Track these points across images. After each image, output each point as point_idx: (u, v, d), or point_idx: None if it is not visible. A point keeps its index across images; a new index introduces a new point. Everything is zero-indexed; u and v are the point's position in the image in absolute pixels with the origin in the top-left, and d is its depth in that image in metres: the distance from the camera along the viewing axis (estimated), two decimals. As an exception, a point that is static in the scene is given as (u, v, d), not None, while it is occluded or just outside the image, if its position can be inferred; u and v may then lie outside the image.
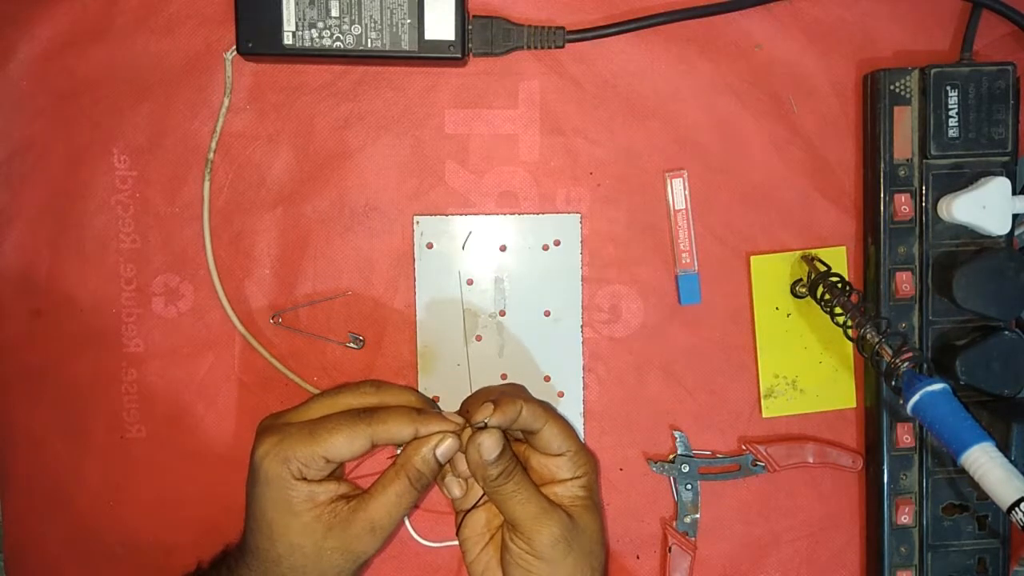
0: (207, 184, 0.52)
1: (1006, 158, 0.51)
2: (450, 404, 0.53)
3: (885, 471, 0.52)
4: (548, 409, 0.47)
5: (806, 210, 0.53)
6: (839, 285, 0.50)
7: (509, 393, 0.46)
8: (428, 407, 0.47)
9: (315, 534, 0.43)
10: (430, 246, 0.53)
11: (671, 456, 0.54)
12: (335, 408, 0.45)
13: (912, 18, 0.53)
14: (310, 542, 0.43)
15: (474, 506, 0.48)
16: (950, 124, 0.50)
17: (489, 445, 0.43)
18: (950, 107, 0.50)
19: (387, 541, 0.45)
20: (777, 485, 0.54)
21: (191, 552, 0.53)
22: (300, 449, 0.43)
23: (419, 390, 0.53)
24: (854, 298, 0.49)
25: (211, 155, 0.52)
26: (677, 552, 0.53)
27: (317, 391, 0.53)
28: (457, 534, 0.48)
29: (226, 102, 0.52)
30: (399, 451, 0.50)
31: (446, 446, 0.44)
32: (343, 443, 0.43)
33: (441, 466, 0.45)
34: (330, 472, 0.44)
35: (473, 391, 0.53)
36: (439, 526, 0.54)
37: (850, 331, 0.50)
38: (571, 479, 0.47)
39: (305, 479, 0.43)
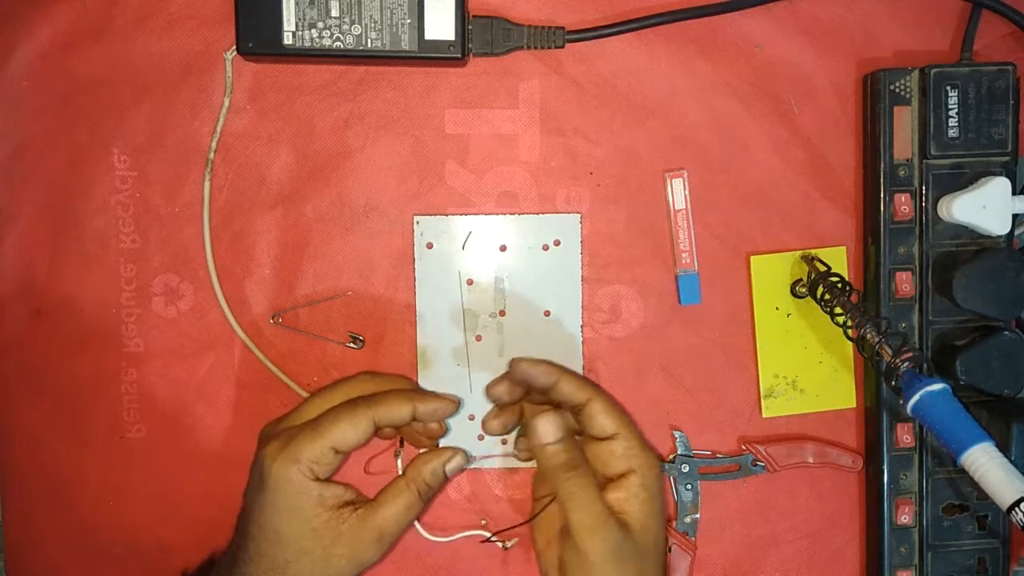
0: (207, 184, 0.52)
1: (1006, 158, 0.51)
2: (450, 404, 0.53)
3: (885, 471, 0.52)
4: (595, 386, 0.46)
5: (806, 210, 0.53)
6: (839, 285, 0.50)
7: (553, 363, 0.47)
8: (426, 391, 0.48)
9: (324, 539, 0.43)
10: (430, 246, 0.53)
11: (671, 456, 0.54)
12: (333, 402, 0.46)
13: (912, 18, 0.53)
14: (319, 547, 0.43)
15: (543, 508, 0.47)
16: (950, 124, 0.50)
17: (544, 428, 0.44)
18: (950, 107, 0.50)
19: (391, 549, 0.46)
20: (777, 485, 0.54)
21: (191, 552, 0.53)
22: (307, 446, 0.43)
23: (419, 387, 0.53)
24: (854, 298, 0.49)
25: (211, 155, 0.52)
26: (677, 552, 0.53)
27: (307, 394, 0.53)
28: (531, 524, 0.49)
29: (226, 102, 0.52)
30: (399, 448, 0.50)
31: (455, 462, 0.46)
32: (348, 429, 0.44)
33: (448, 479, 0.46)
34: (339, 465, 0.45)
35: (473, 391, 0.53)
36: (442, 521, 0.54)
37: (850, 331, 0.50)
38: (626, 474, 0.45)
39: (317, 479, 0.43)
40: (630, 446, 0.45)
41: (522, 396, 0.48)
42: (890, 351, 0.47)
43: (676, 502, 0.54)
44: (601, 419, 0.45)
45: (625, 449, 0.45)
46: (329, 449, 0.43)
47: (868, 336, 0.48)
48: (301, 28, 0.49)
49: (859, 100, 0.53)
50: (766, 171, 0.53)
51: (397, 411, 0.45)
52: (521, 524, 0.52)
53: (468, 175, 0.53)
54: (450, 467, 0.46)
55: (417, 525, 0.53)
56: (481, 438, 0.54)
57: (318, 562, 0.43)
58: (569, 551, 0.44)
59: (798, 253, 0.53)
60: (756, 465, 0.54)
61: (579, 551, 0.43)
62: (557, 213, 0.53)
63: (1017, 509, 0.42)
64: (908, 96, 0.51)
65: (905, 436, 0.52)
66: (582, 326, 0.54)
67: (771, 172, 0.53)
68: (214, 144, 0.52)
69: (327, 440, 0.43)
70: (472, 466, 0.54)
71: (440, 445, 0.50)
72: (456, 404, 0.46)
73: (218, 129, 0.52)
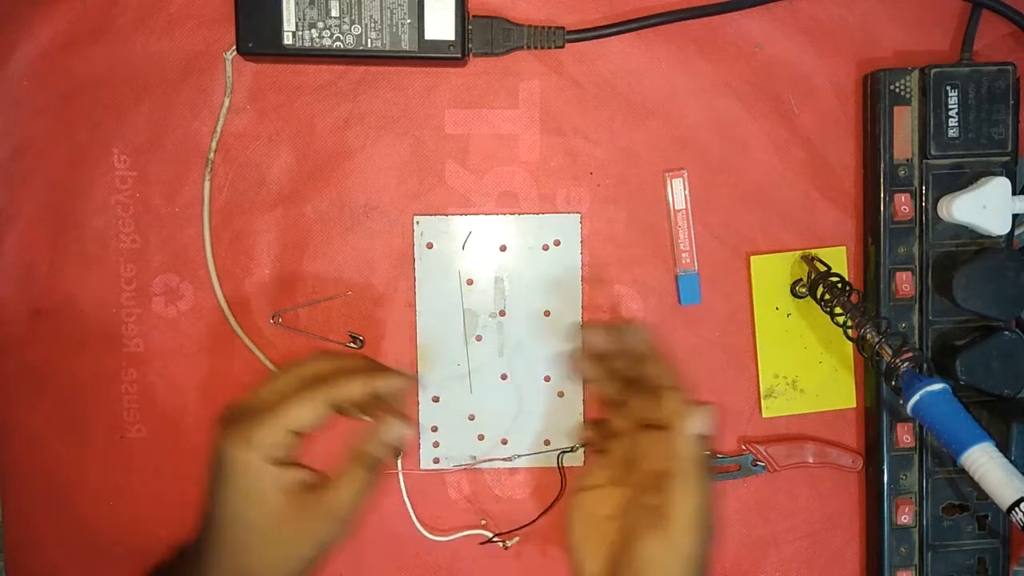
0: (207, 184, 0.52)
1: (1006, 158, 0.51)
2: (449, 403, 0.53)
3: (885, 471, 0.52)
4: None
5: (806, 210, 0.53)
6: (839, 285, 0.50)
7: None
8: (381, 367, 0.47)
9: (285, 522, 0.43)
10: (430, 246, 0.53)
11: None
12: (290, 384, 0.45)
13: (912, 18, 0.53)
14: (280, 530, 0.43)
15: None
16: (950, 124, 0.50)
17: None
18: (950, 107, 0.50)
19: (351, 527, 0.45)
20: (777, 485, 0.54)
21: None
22: (264, 431, 0.43)
23: (419, 388, 0.53)
24: (854, 298, 0.49)
25: (211, 155, 0.52)
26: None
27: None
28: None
29: (227, 102, 0.52)
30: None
31: (395, 432, 0.45)
32: (304, 411, 0.43)
33: (397, 450, 0.45)
34: (296, 446, 0.44)
35: (473, 391, 0.53)
36: (442, 521, 0.54)
37: (850, 331, 0.50)
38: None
39: (276, 462, 0.43)
40: (684, 449, 0.43)
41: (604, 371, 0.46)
42: (890, 351, 0.47)
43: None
44: (667, 411, 0.43)
45: (678, 450, 0.43)
46: (286, 432, 0.43)
47: (868, 336, 0.48)
48: (301, 28, 0.49)
49: (859, 100, 0.53)
50: (766, 171, 0.53)
51: (353, 389, 0.44)
52: (537, 518, 0.51)
53: (468, 175, 0.53)
54: (392, 437, 0.45)
55: (417, 525, 0.53)
56: (481, 438, 0.54)
57: (281, 544, 0.43)
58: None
59: (798, 253, 0.53)
60: (756, 465, 0.54)
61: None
62: (557, 213, 0.53)
63: (1017, 509, 0.42)
64: (908, 96, 0.51)
65: (905, 436, 0.52)
66: (582, 326, 0.53)
67: (771, 172, 0.53)
68: (214, 144, 0.52)
69: (284, 423, 0.43)
70: (472, 466, 0.54)
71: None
72: (412, 377, 0.46)
73: (218, 129, 0.52)
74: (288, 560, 0.44)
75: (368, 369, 0.46)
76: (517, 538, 0.54)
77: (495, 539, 0.54)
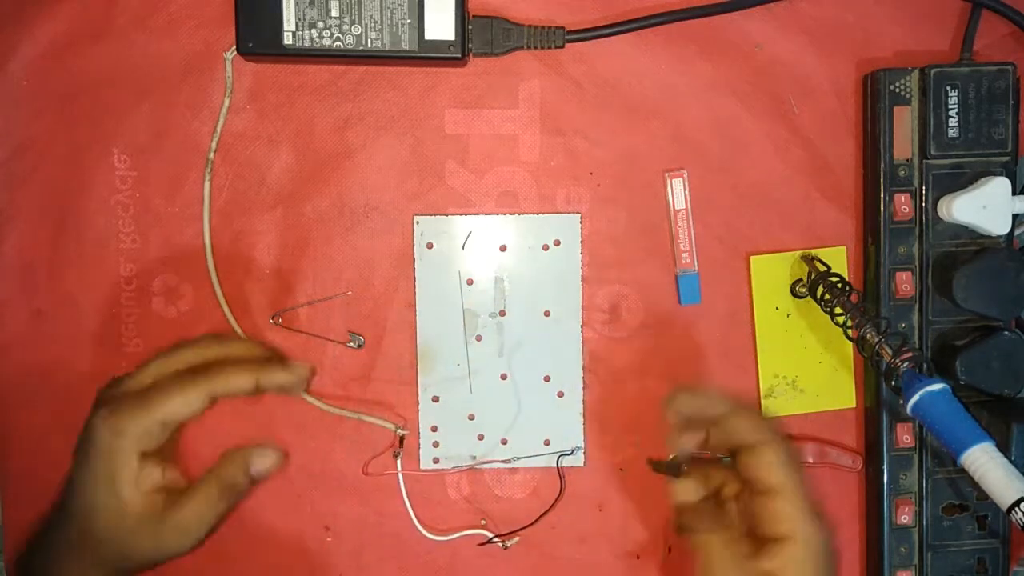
0: (207, 184, 0.52)
1: (1006, 158, 0.51)
2: (449, 403, 0.53)
3: (885, 471, 0.52)
4: (775, 429, 0.41)
5: (806, 210, 0.53)
6: (839, 285, 0.50)
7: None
8: (274, 359, 0.45)
9: (129, 518, 0.42)
10: (430, 246, 0.53)
11: (671, 456, 0.54)
12: (172, 367, 0.43)
13: (912, 18, 0.53)
14: (125, 527, 0.42)
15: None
16: (950, 124, 0.50)
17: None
18: (950, 107, 0.50)
19: (201, 543, 0.43)
20: (777, 485, 0.54)
21: (191, 552, 0.53)
22: (135, 419, 0.41)
23: (419, 388, 0.53)
24: (854, 298, 0.49)
25: (211, 155, 0.52)
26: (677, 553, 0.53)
27: (321, 403, 0.53)
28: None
29: (227, 102, 0.52)
30: (399, 449, 0.50)
31: (260, 465, 0.43)
32: (178, 405, 0.42)
33: (255, 482, 0.43)
34: (170, 437, 0.43)
35: (473, 391, 0.53)
36: (442, 521, 0.54)
37: (850, 331, 0.50)
38: (783, 540, 0.39)
39: (142, 454, 0.42)
40: (793, 509, 0.39)
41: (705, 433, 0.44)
42: (890, 351, 0.47)
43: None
44: (766, 469, 0.40)
45: (788, 511, 0.39)
46: (157, 423, 0.41)
47: (868, 336, 0.48)
48: (301, 28, 0.49)
49: (859, 100, 0.53)
50: (766, 171, 0.53)
51: (236, 384, 0.42)
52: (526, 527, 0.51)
53: (468, 175, 0.53)
54: (255, 470, 0.43)
55: (417, 525, 0.53)
56: (481, 438, 0.54)
57: (122, 542, 0.42)
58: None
59: (798, 253, 0.53)
60: (756, 465, 0.54)
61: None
62: (557, 213, 0.53)
63: (1017, 509, 0.42)
64: (908, 96, 0.51)
65: (905, 436, 0.52)
66: (582, 326, 0.54)
67: (771, 172, 0.53)
68: (214, 144, 0.52)
69: (156, 414, 0.41)
70: (472, 467, 0.54)
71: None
72: (306, 373, 0.44)
73: (218, 129, 0.52)
74: (127, 554, 0.42)
75: (258, 361, 0.44)
76: (517, 538, 0.54)
77: (495, 540, 0.54)
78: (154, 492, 0.42)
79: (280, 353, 0.47)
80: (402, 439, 0.53)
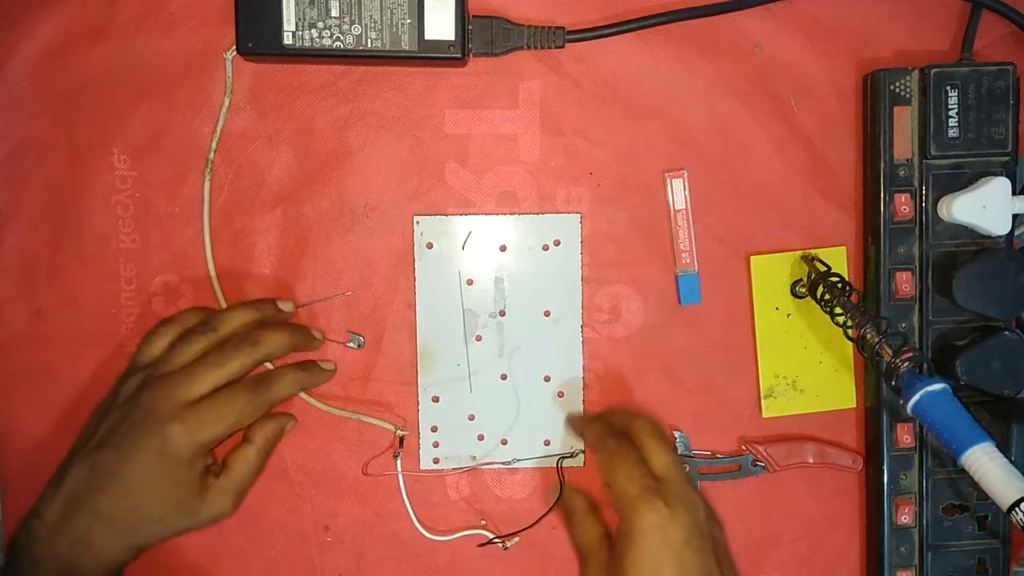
0: (207, 184, 0.52)
1: (1006, 158, 0.51)
2: (449, 403, 0.53)
3: (885, 471, 0.52)
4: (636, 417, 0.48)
5: (806, 210, 0.53)
6: (839, 285, 0.50)
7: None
8: (268, 312, 0.51)
9: (188, 500, 0.46)
10: (430, 246, 0.53)
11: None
12: (219, 374, 0.47)
13: (912, 18, 0.53)
14: (182, 507, 0.47)
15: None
16: (950, 124, 0.50)
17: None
18: (950, 107, 0.50)
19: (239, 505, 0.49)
20: (777, 485, 0.54)
21: (191, 552, 0.53)
22: (213, 429, 0.46)
23: (419, 388, 0.53)
24: (854, 298, 0.49)
25: (211, 155, 0.52)
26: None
27: (312, 399, 0.53)
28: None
29: (226, 102, 0.52)
30: (399, 450, 0.50)
31: (289, 425, 0.52)
32: (250, 416, 0.48)
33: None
34: None
35: (473, 391, 0.53)
36: (442, 521, 0.54)
37: (850, 331, 0.50)
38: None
39: (205, 452, 0.47)
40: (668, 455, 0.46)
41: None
42: (890, 351, 0.47)
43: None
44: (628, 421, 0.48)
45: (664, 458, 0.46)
46: (229, 432, 0.47)
47: (868, 336, 0.48)
48: (301, 28, 0.49)
49: (859, 100, 0.53)
50: (766, 171, 0.53)
51: (289, 392, 0.50)
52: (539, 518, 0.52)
53: (468, 175, 0.53)
54: (287, 429, 0.52)
55: (417, 525, 0.53)
56: (481, 438, 0.54)
57: (177, 518, 0.47)
58: (619, 526, 0.44)
59: (798, 253, 0.53)
60: (756, 465, 0.54)
61: (626, 520, 0.43)
62: (557, 213, 0.53)
63: (1017, 509, 0.42)
64: (908, 96, 0.51)
65: (905, 436, 0.52)
66: (582, 326, 0.54)
67: (771, 172, 0.53)
68: (214, 144, 0.52)
69: (228, 427, 0.46)
70: (472, 467, 0.54)
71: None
72: (333, 371, 0.53)
73: (218, 129, 0.52)
74: (166, 527, 0.47)
75: (303, 372, 0.51)
76: (517, 539, 0.54)
77: (495, 540, 0.54)
78: (205, 471, 0.48)
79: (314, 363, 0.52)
80: (402, 440, 0.53)
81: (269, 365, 0.51)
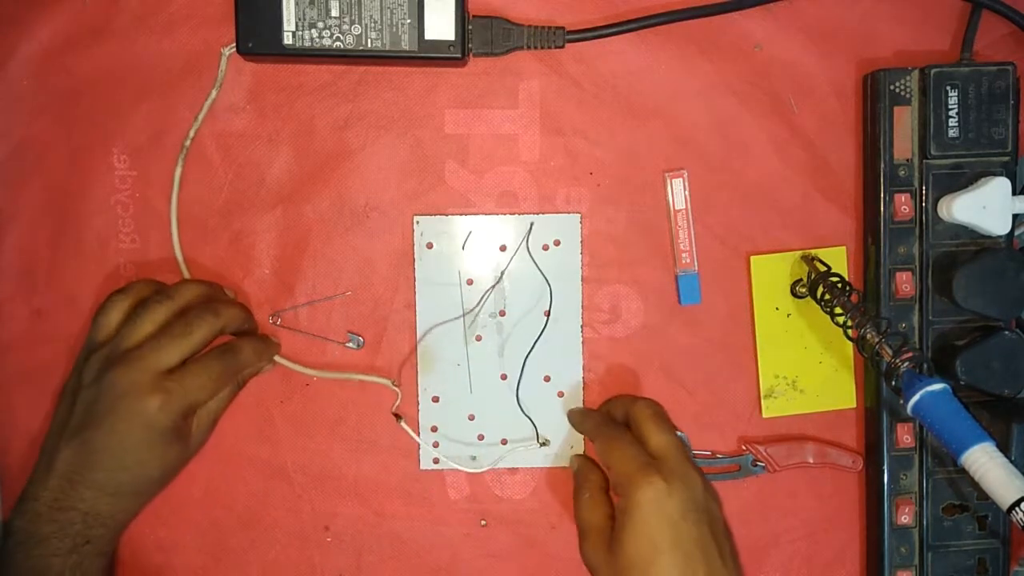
0: (179, 170, 0.52)
1: (1006, 158, 0.51)
2: (449, 403, 0.53)
3: (885, 471, 0.52)
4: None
5: (806, 210, 0.53)
6: (839, 285, 0.50)
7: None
8: (215, 288, 0.52)
9: (178, 452, 0.48)
10: (430, 246, 0.53)
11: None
12: (186, 343, 0.47)
13: (912, 18, 0.53)
14: (173, 460, 0.48)
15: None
16: (950, 124, 0.50)
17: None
18: (950, 107, 0.50)
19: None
20: (777, 485, 0.54)
21: (191, 552, 0.53)
22: (192, 400, 0.47)
23: (419, 388, 0.53)
24: (854, 298, 0.49)
25: (188, 143, 0.51)
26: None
27: (313, 371, 0.53)
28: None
29: (213, 94, 0.51)
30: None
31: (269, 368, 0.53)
32: (225, 383, 0.49)
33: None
34: None
35: (473, 391, 0.53)
36: (442, 521, 0.54)
37: (850, 331, 0.50)
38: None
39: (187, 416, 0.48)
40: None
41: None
42: (890, 351, 0.47)
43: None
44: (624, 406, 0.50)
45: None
46: (207, 399, 0.48)
47: (868, 336, 0.48)
48: (301, 28, 0.49)
49: (859, 100, 0.53)
50: (766, 171, 0.53)
51: (252, 360, 0.50)
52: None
53: (468, 175, 0.53)
54: (266, 369, 0.52)
55: (417, 525, 0.53)
56: (481, 438, 0.54)
57: (173, 468, 0.49)
58: (619, 504, 0.45)
59: (798, 253, 0.53)
60: (756, 465, 0.54)
61: (625, 497, 0.44)
62: (557, 213, 0.53)
63: (1017, 509, 0.42)
64: (908, 96, 0.51)
65: (905, 436, 0.52)
66: (582, 326, 0.54)
67: (771, 172, 0.53)
68: (192, 132, 0.52)
69: (211, 394, 0.48)
70: (472, 468, 0.54)
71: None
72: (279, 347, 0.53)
73: (199, 119, 0.51)
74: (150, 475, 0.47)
75: (266, 344, 0.52)
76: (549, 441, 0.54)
77: (541, 443, 0.54)
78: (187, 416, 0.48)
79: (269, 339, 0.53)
80: (399, 419, 0.53)
81: None
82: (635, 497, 0.43)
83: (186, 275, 0.52)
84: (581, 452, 0.54)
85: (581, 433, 0.53)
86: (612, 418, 0.50)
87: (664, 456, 0.45)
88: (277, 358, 0.52)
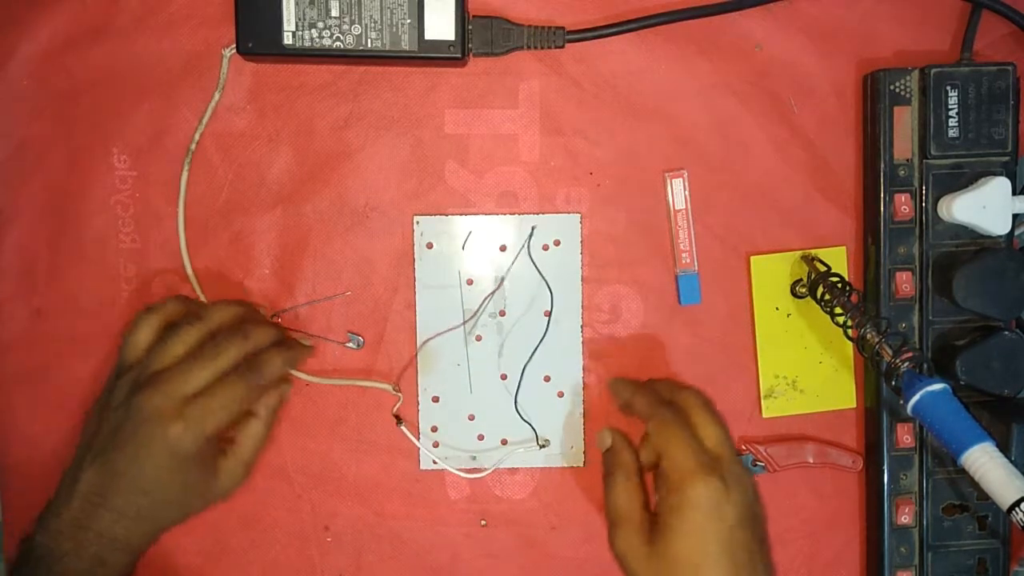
0: (185, 174, 0.52)
1: (1006, 158, 0.51)
2: (449, 403, 0.53)
3: (885, 471, 0.52)
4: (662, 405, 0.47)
5: (806, 210, 0.53)
6: (839, 285, 0.50)
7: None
8: (247, 307, 0.51)
9: (201, 484, 0.47)
10: (430, 246, 0.53)
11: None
12: (213, 368, 0.47)
13: (912, 18, 0.53)
14: (194, 493, 0.47)
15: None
16: (950, 124, 0.50)
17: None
18: (950, 107, 0.50)
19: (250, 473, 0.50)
20: (777, 485, 0.54)
21: (191, 552, 0.53)
22: (213, 424, 0.46)
23: (419, 388, 0.53)
24: (854, 298, 0.49)
25: (193, 146, 0.52)
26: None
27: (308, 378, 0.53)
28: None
29: (217, 96, 0.52)
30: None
31: (288, 392, 0.52)
32: (249, 403, 0.48)
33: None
34: None
35: (473, 391, 0.53)
36: (442, 521, 0.54)
37: (850, 331, 0.50)
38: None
39: (210, 441, 0.47)
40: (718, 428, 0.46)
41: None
42: (890, 351, 0.47)
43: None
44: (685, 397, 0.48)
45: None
46: (227, 423, 0.47)
47: (868, 336, 0.48)
48: (301, 28, 0.49)
49: (859, 100, 0.53)
50: (766, 171, 0.53)
51: (279, 373, 0.49)
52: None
53: (468, 175, 0.53)
54: (286, 396, 0.52)
55: (417, 525, 0.53)
56: (481, 438, 0.54)
57: (194, 501, 0.48)
58: (668, 497, 0.44)
59: (798, 253, 0.53)
60: (756, 465, 0.54)
61: (679, 493, 0.43)
62: (557, 213, 0.53)
63: (1017, 509, 0.42)
64: (908, 96, 0.51)
65: (905, 436, 0.52)
66: (582, 326, 0.53)
67: (771, 172, 0.53)
68: (197, 136, 0.52)
69: (233, 415, 0.47)
70: (473, 470, 0.54)
71: None
72: (312, 348, 0.53)
73: (203, 122, 0.52)
74: (184, 507, 0.48)
75: (287, 348, 0.50)
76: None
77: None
78: (216, 454, 0.48)
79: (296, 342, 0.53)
80: (400, 422, 0.53)
81: None
82: (692, 496, 0.42)
83: (193, 281, 0.52)
84: (582, 451, 0.54)
85: (624, 408, 0.50)
86: (664, 399, 0.48)
87: (720, 455, 0.44)
88: None
